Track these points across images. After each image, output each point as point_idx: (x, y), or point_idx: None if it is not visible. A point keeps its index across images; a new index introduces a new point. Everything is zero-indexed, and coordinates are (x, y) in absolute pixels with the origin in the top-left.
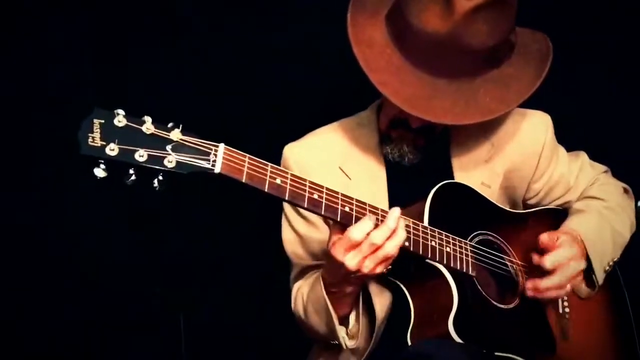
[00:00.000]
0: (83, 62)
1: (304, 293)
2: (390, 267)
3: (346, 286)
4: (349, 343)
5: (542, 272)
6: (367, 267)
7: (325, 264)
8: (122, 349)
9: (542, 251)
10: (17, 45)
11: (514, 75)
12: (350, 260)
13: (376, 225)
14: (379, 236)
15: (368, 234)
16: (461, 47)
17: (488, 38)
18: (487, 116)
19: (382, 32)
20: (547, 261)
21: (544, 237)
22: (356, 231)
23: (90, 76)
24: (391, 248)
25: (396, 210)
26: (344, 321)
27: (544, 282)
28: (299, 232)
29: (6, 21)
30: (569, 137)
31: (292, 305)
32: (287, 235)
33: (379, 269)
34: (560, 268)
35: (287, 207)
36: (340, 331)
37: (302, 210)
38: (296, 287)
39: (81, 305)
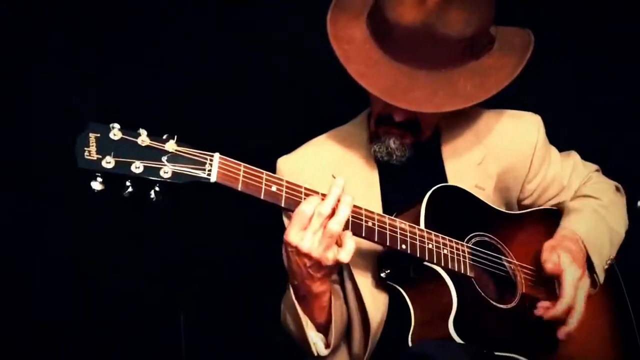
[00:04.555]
0: (79, 71)
1: (285, 301)
2: (388, 270)
3: (309, 284)
4: (323, 351)
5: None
6: (316, 249)
7: (285, 262)
8: (122, 348)
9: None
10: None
11: (494, 66)
12: (302, 240)
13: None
14: (324, 206)
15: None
16: (437, 36)
17: (464, 28)
18: (467, 103)
19: (363, 31)
20: (561, 305)
21: (550, 269)
22: (305, 205)
23: (87, 84)
24: (335, 226)
25: (340, 180)
26: (324, 330)
27: (571, 325)
28: None
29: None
30: (560, 137)
31: (281, 317)
32: None
33: (330, 254)
34: (574, 303)
35: (286, 221)
36: (312, 336)
37: None
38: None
39: (81, 305)
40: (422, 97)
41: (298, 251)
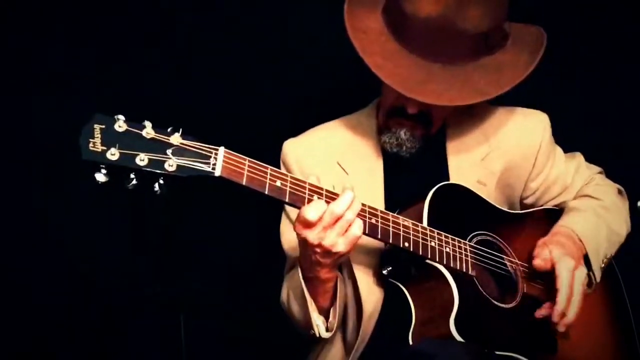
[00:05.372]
0: (84, 65)
1: (289, 281)
2: (390, 268)
3: (318, 270)
4: (324, 333)
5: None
6: (328, 238)
7: (298, 246)
8: (122, 348)
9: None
10: (19, 46)
11: (507, 62)
12: (310, 233)
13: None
14: (339, 206)
15: (322, 216)
16: (454, 31)
17: (481, 22)
18: (481, 98)
19: (378, 23)
20: (562, 300)
21: (539, 264)
22: (309, 212)
23: (91, 78)
24: (351, 215)
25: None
26: (325, 314)
27: (570, 316)
28: None
29: (7, 23)
30: (565, 137)
31: (281, 296)
32: (285, 227)
33: (343, 242)
34: (572, 294)
35: (288, 216)
36: (315, 317)
37: None
38: (285, 278)
39: (81, 305)
40: (437, 91)
41: (307, 241)
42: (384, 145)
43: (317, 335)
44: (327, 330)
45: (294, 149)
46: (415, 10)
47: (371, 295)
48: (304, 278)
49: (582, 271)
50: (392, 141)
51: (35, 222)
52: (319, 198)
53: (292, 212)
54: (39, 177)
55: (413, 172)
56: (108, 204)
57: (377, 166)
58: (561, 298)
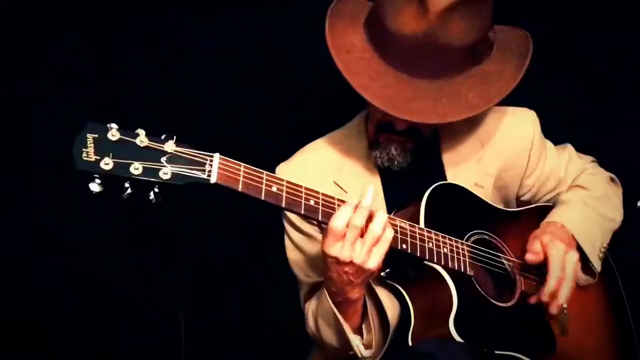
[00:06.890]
0: (77, 71)
1: (314, 309)
2: (388, 269)
3: (348, 290)
4: (365, 352)
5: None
6: (359, 255)
7: (325, 270)
8: (122, 348)
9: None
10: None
11: (495, 71)
12: (340, 251)
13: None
14: (358, 218)
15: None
16: (439, 46)
17: (466, 35)
18: (470, 113)
19: (361, 38)
20: (552, 279)
21: (530, 258)
22: (336, 220)
23: (85, 85)
24: (377, 228)
25: (370, 189)
26: (357, 332)
27: (562, 297)
28: (303, 250)
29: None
30: (555, 133)
31: (305, 324)
32: (291, 254)
33: (374, 258)
34: (564, 275)
35: (288, 227)
36: (355, 339)
37: (303, 228)
38: (307, 305)
39: (81, 305)
40: (425, 108)
41: (338, 260)
42: (376, 161)
43: (359, 355)
44: (366, 348)
45: (287, 173)
46: (399, 27)
47: (392, 304)
48: (333, 303)
49: (574, 255)
50: (383, 156)
51: (35, 223)
52: (316, 202)
53: (295, 238)
54: (39, 177)
55: (411, 182)
56: (107, 204)
57: (374, 181)
58: (552, 277)
